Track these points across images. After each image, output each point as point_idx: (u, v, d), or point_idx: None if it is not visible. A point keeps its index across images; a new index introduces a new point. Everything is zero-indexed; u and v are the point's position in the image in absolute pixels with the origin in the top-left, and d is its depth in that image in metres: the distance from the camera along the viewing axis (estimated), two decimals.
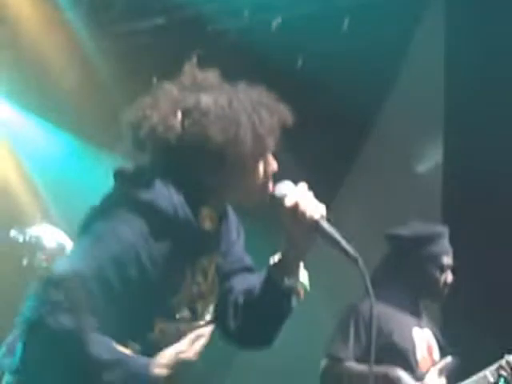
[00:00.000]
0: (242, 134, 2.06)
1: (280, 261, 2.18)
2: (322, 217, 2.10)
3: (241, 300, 2.23)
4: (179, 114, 2.09)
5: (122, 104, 2.29)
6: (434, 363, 3.69)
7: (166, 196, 2.04)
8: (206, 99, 2.09)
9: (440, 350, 3.78)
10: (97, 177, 5.32)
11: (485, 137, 5.26)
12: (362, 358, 3.48)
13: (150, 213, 2.02)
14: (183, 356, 2.01)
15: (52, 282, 1.94)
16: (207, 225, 2.13)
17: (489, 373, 3.64)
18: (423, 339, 3.72)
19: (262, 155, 2.14)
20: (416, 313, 3.72)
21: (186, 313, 2.13)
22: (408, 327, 3.69)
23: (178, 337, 2.06)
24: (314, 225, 2.09)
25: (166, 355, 2.01)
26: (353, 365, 3.53)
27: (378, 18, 5.47)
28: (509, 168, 5.19)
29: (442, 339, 3.84)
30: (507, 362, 3.64)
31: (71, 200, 5.63)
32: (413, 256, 3.71)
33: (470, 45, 5.42)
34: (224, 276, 2.24)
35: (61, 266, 2.05)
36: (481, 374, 3.66)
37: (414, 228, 3.81)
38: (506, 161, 5.23)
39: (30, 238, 4.19)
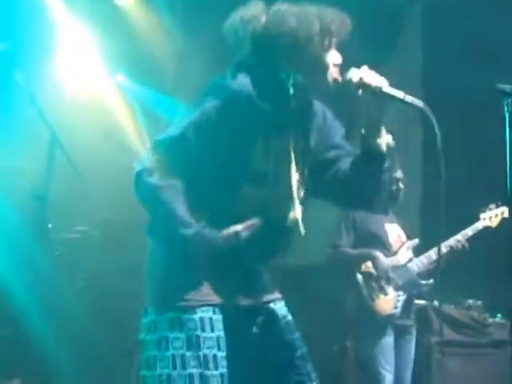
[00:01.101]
0: (311, 22, 2.58)
1: (365, 130, 2.66)
2: (384, 84, 2.59)
3: (343, 166, 2.73)
4: (265, 12, 2.64)
5: None
6: (402, 244, 4.96)
7: (242, 83, 2.59)
8: (284, 4, 2.65)
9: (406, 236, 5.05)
10: None
11: None
12: (353, 245, 4.88)
13: (226, 95, 2.58)
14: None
15: (149, 148, 2.61)
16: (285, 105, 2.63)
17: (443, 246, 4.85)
18: (393, 229, 5.00)
19: (328, 46, 2.63)
20: (385, 212, 4.91)
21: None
22: (381, 221, 4.94)
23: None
24: (379, 89, 2.58)
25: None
26: (347, 249, 4.87)
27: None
28: None
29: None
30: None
31: None
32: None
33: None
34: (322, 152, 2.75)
35: (157, 136, 2.62)
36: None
37: None
38: None
39: None
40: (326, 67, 2.64)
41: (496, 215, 5.09)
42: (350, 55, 2.67)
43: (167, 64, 7.01)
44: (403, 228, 5.12)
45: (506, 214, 4.98)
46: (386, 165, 2.70)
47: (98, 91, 6.89)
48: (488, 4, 6.16)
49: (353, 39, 2.70)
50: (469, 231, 5.02)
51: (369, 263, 4.80)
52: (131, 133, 6.98)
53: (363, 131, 2.67)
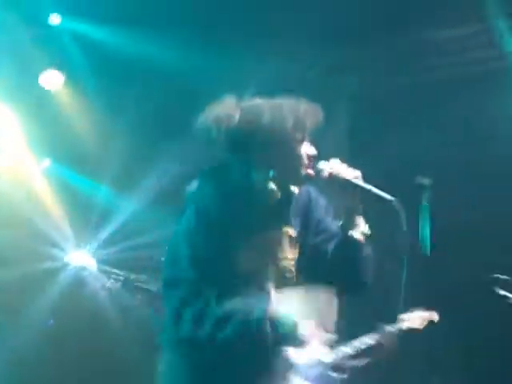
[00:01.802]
0: (284, 120, 2.67)
1: (343, 220, 2.79)
2: (353, 176, 2.71)
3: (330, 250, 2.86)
4: (238, 109, 2.71)
5: None
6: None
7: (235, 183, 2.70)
8: (258, 99, 2.76)
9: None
10: None
11: None
12: None
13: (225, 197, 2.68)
14: None
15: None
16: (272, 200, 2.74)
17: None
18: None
19: (301, 139, 2.73)
20: None
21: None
22: None
23: None
24: (349, 183, 2.70)
25: None
26: None
27: None
28: None
29: None
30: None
31: None
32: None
33: None
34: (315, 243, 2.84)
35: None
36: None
37: None
38: None
39: None
40: (300, 160, 2.73)
41: (423, 317, 4.89)
42: None
43: (92, 147, 7.01)
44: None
45: (436, 318, 4.89)
46: (366, 252, 2.83)
47: (24, 178, 6.86)
48: None
49: None
50: (390, 328, 4.83)
51: None
52: (54, 220, 6.94)
53: (341, 221, 2.79)
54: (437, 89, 6.54)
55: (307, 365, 4.76)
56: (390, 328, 4.98)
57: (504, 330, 5.76)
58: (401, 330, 5.06)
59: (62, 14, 6.45)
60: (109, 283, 6.58)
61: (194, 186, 2.78)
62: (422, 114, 6.57)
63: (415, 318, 5.09)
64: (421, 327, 5.02)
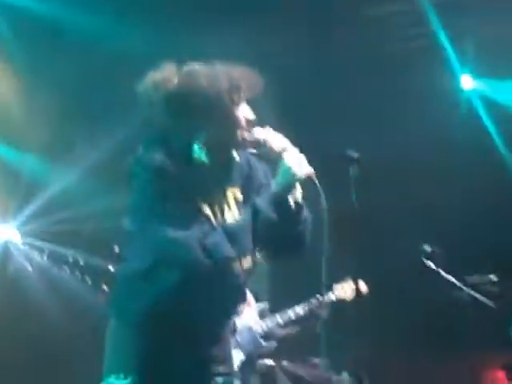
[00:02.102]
0: (220, 82, 2.73)
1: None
2: (285, 144, 2.80)
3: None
4: (176, 74, 2.78)
5: None
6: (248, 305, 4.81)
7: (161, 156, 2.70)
8: (195, 65, 2.81)
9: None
10: None
11: None
12: None
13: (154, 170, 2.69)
14: None
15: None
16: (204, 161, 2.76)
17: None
18: None
19: (237, 103, 2.77)
20: None
21: None
22: None
23: None
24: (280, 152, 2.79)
25: None
26: None
27: None
28: None
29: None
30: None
31: None
32: None
33: None
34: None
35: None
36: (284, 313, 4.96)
37: None
38: None
39: None
40: (237, 123, 2.80)
41: (352, 288, 5.12)
42: None
43: (17, 113, 6.76)
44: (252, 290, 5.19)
45: (364, 288, 5.00)
46: (304, 215, 2.85)
47: None
48: None
49: None
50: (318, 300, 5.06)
51: None
52: None
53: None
54: (364, 65, 6.62)
55: (239, 332, 4.84)
56: (321, 298, 5.06)
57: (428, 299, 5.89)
58: (331, 300, 5.15)
59: None
60: (35, 256, 6.47)
61: (137, 152, 2.81)
62: (349, 90, 6.62)
63: (346, 289, 5.17)
64: (350, 298, 5.12)
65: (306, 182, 2.77)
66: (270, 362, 5.36)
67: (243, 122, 2.81)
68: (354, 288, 4.93)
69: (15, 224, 6.65)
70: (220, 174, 2.84)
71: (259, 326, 4.97)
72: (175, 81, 2.76)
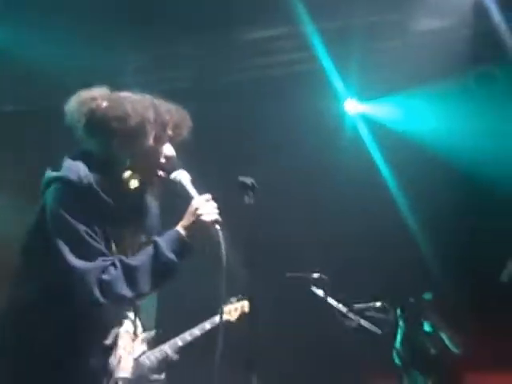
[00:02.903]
0: (145, 110, 2.71)
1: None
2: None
3: None
4: (104, 96, 2.76)
5: None
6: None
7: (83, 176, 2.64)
8: (124, 93, 2.80)
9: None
10: None
11: None
12: None
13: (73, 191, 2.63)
14: None
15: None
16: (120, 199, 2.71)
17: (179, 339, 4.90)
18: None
19: (161, 138, 2.75)
20: None
21: None
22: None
23: None
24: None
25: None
26: None
27: None
28: None
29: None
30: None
31: None
32: None
33: None
34: None
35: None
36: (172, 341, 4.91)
37: None
38: None
39: None
40: (156, 157, 2.76)
41: (236, 309, 5.07)
42: None
43: None
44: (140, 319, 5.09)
45: (247, 309, 5.10)
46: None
47: None
48: None
49: None
50: (207, 324, 5.00)
51: None
52: None
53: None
54: (248, 89, 6.63)
55: (127, 368, 4.70)
56: (210, 323, 5.02)
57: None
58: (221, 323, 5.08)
59: None
60: None
61: (53, 172, 2.74)
62: (235, 116, 6.62)
63: (231, 310, 5.15)
64: (236, 319, 5.10)
65: (209, 228, 2.75)
66: None
67: (162, 158, 2.77)
68: (239, 307, 5.06)
69: None
70: (131, 207, 2.79)
71: (147, 358, 4.87)
72: (100, 102, 2.73)
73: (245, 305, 5.07)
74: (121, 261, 2.64)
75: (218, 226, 2.74)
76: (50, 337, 2.66)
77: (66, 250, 2.57)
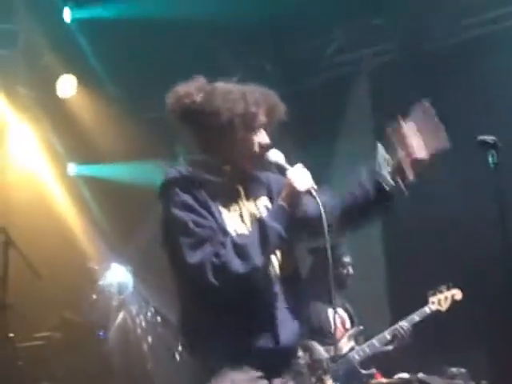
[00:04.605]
0: (235, 106, 2.76)
1: None
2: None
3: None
4: (202, 91, 2.81)
5: None
6: (345, 332, 5.05)
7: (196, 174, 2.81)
8: (219, 85, 2.84)
9: (351, 321, 5.18)
10: None
11: None
12: None
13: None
14: None
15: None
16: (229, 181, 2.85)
17: (387, 333, 4.96)
18: (337, 315, 5.07)
19: (252, 128, 2.81)
20: (330, 299, 4.41)
21: None
22: (324, 310, 5.01)
23: None
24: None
25: None
26: None
27: None
28: None
29: (353, 313, 5.24)
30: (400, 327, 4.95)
31: None
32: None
33: None
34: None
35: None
36: (380, 335, 4.97)
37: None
38: None
39: None
40: (250, 147, 2.83)
41: (446, 298, 4.98)
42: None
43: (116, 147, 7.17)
44: (349, 312, 5.20)
45: (459, 297, 5.00)
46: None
47: (49, 189, 7.06)
48: None
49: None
50: (415, 316, 4.98)
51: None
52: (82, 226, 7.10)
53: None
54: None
55: (337, 363, 4.86)
56: (419, 314, 5.03)
57: None
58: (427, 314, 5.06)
59: None
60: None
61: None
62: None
63: (441, 300, 5.08)
64: (446, 308, 5.05)
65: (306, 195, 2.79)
66: (405, 375, 5.26)
67: (256, 148, 2.84)
68: (449, 296, 5.02)
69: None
70: (236, 188, 2.88)
71: (356, 353, 4.98)
72: (194, 97, 2.80)
73: (456, 293, 5.01)
74: (230, 239, 2.71)
75: (313, 192, 2.78)
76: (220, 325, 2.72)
77: (179, 249, 2.69)
